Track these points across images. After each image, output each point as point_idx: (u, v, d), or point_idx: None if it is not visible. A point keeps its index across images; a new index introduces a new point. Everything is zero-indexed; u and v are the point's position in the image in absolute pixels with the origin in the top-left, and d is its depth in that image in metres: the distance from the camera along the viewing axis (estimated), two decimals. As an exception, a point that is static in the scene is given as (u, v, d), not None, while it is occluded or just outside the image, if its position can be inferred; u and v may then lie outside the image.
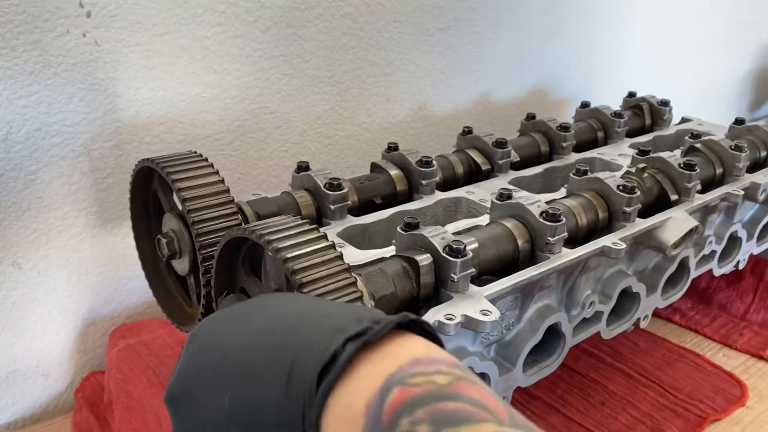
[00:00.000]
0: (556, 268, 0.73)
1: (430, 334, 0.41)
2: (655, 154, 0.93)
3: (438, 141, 1.24)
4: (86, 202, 0.87)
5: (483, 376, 0.71)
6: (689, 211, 0.88)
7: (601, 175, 0.84)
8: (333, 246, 0.56)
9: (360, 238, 0.80)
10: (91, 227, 0.89)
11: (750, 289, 1.21)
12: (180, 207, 0.70)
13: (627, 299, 0.89)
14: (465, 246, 0.66)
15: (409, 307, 0.66)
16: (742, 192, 0.94)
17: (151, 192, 0.78)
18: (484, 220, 0.82)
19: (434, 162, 0.88)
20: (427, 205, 0.86)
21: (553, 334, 0.79)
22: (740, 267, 1.11)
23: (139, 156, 0.89)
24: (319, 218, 0.81)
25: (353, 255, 0.72)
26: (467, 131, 1.00)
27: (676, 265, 0.93)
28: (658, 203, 0.91)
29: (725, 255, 1.06)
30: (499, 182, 0.94)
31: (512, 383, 0.76)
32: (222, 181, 0.69)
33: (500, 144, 0.96)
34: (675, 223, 0.86)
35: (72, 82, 0.82)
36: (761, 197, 0.98)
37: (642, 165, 0.91)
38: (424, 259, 0.66)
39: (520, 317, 0.76)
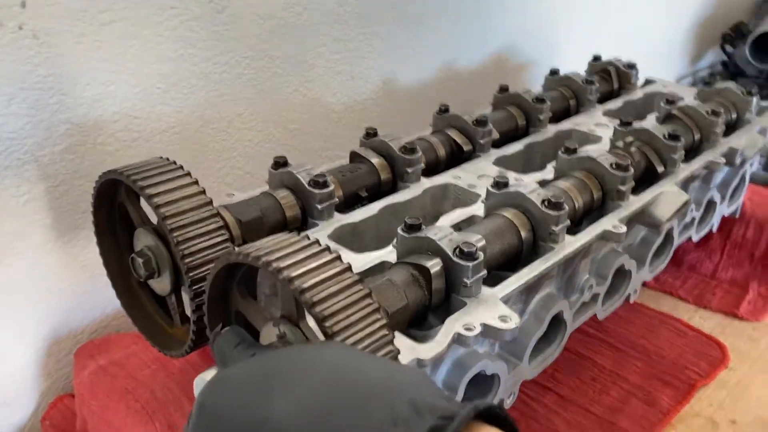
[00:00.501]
0: (564, 258, 0.70)
1: (501, 417, 0.36)
2: (638, 125, 0.91)
3: (405, 116, 1.19)
4: (39, 214, 0.78)
5: (493, 377, 0.68)
6: (678, 183, 0.87)
7: (591, 153, 0.81)
8: (349, 268, 0.51)
9: (350, 237, 0.75)
10: (47, 241, 0.80)
11: (717, 248, 1.22)
12: (156, 223, 0.63)
13: (618, 276, 0.87)
14: (477, 249, 0.61)
15: (420, 316, 0.62)
16: (724, 160, 0.94)
17: (116, 204, 0.70)
18: (477, 209, 0.78)
19: (418, 148, 0.83)
20: (415, 196, 0.81)
21: (554, 321, 0.77)
22: (714, 230, 1.12)
23: (93, 159, 0.81)
24: (304, 218, 0.75)
25: (351, 261, 0.66)
26: (444, 109, 0.95)
27: (662, 238, 0.92)
28: (644, 176, 0.89)
29: (701, 220, 1.06)
30: (483, 163, 0.90)
31: (519, 377, 0.74)
32: (203, 191, 0.63)
33: (481, 123, 0.91)
34: (667, 197, 0.84)
35: (10, 82, 0.72)
36: (738, 161, 0.98)
37: (629, 139, 0.88)
38: (434, 265, 0.62)
39: (524, 310, 0.73)
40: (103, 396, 0.76)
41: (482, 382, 0.67)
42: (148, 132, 0.86)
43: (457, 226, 0.75)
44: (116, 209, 0.71)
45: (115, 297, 0.73)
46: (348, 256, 0.68)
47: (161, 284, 0.66)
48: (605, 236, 0.75)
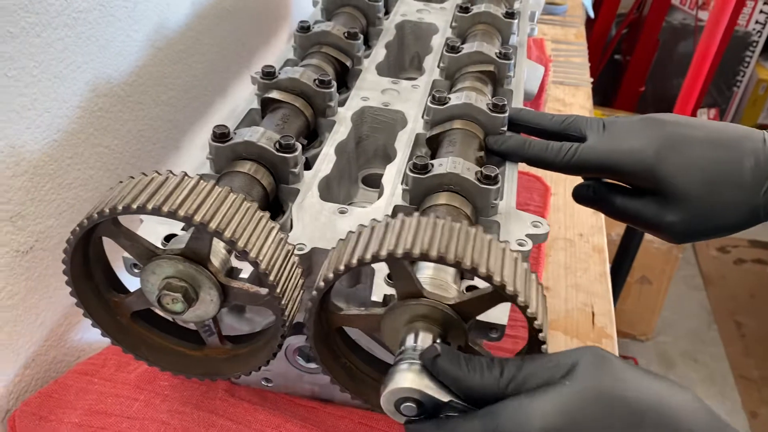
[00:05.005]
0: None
1: None
2: (478, 9, 0.98)
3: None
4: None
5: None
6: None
7: (478, 48, 0.87)
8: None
9: (326, 192, 0.72)
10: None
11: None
12: (190, 247, 0.54)
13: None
14: (497, 172, 0.66)
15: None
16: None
17: (91, 243, 0.57)
18: (416, 126, 0.80)
19: (332, 80, 0.79)
20: (349, 129, 0.79)
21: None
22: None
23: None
24: (277, 186, 0.69)
25: (366, 217, 0.65)
26: (305, 27, 0.90)
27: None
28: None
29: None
30: (371, 76, 0.90)
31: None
32: (230, 190, 0.55)
33: (353, 35, 0.90)
34: (530, 71, 0.96)
35: None
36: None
37: (480, 27, 0.96)
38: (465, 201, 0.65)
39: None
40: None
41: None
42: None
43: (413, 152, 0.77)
44: (90, 248, 0.57)
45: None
46: (356, 211, 0.67)
47: (199, 311, 0.57)
48: (522, 120, 0.84)
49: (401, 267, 0.51)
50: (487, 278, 0.49)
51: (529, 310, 0.50)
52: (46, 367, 0.77)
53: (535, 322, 0.50)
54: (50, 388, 0.71)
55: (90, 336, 0.84)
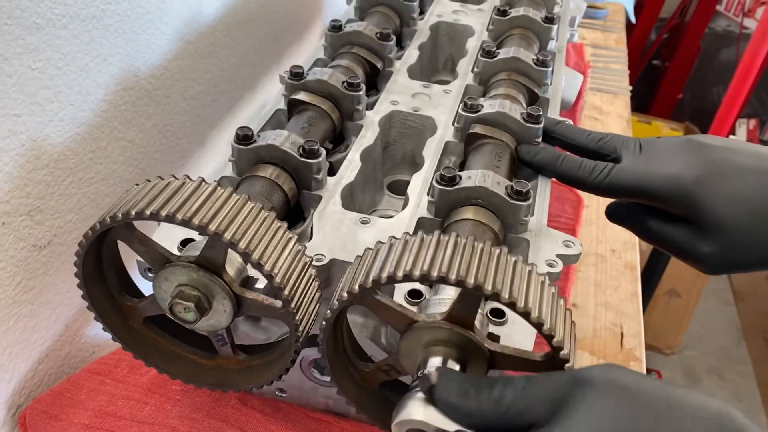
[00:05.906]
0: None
1: None
2: (516, 13, 0.95)
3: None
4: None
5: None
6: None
7: (515, 53, 0.84)
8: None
9: (349, 200, 0.69)
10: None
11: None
12: (204, 255, 0.52)
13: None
14: (528, 188, 0.63)
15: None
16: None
17: (104, 245, 0.55)
18: (446, 133, 0.77)
19: (361, 83, 0.77)
20: (376, 134, 0.77)
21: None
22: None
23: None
24: (298, 192, 0.67)
25: (389, 228, 0.63)
26: (337, 26, 0.88)
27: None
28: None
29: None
30: (402, 79, 0.87)
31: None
32: (248, 199, 0.52)
33: (385, 36, 0.87)
34: (568, 79, 0.92)
35: None
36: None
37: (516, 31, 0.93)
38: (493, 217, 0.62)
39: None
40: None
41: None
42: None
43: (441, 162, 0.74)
44: (103, 250, 0.56)
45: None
46: (378, 222, 0.64)
47: (210, 321, 0.55)
48: (557, 132, 0.81)
49: (474, 296, 0.48)
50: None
51: (555, 340, 0.47)
52: (60, 362, 0.76)
53: (562, 353, 0.48)
54: (62, 386, 0.70)
55: (105, 332, 0.82)
